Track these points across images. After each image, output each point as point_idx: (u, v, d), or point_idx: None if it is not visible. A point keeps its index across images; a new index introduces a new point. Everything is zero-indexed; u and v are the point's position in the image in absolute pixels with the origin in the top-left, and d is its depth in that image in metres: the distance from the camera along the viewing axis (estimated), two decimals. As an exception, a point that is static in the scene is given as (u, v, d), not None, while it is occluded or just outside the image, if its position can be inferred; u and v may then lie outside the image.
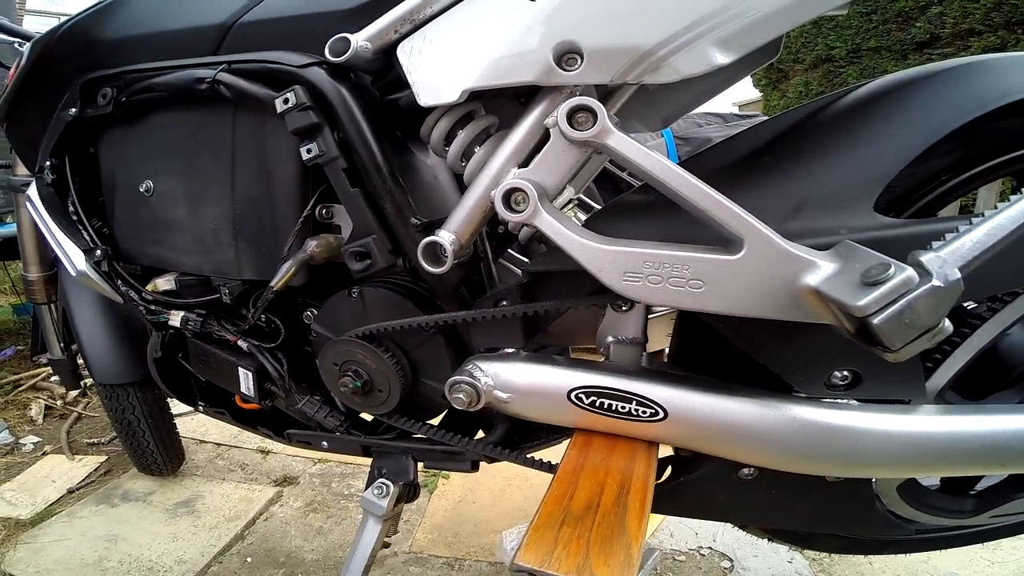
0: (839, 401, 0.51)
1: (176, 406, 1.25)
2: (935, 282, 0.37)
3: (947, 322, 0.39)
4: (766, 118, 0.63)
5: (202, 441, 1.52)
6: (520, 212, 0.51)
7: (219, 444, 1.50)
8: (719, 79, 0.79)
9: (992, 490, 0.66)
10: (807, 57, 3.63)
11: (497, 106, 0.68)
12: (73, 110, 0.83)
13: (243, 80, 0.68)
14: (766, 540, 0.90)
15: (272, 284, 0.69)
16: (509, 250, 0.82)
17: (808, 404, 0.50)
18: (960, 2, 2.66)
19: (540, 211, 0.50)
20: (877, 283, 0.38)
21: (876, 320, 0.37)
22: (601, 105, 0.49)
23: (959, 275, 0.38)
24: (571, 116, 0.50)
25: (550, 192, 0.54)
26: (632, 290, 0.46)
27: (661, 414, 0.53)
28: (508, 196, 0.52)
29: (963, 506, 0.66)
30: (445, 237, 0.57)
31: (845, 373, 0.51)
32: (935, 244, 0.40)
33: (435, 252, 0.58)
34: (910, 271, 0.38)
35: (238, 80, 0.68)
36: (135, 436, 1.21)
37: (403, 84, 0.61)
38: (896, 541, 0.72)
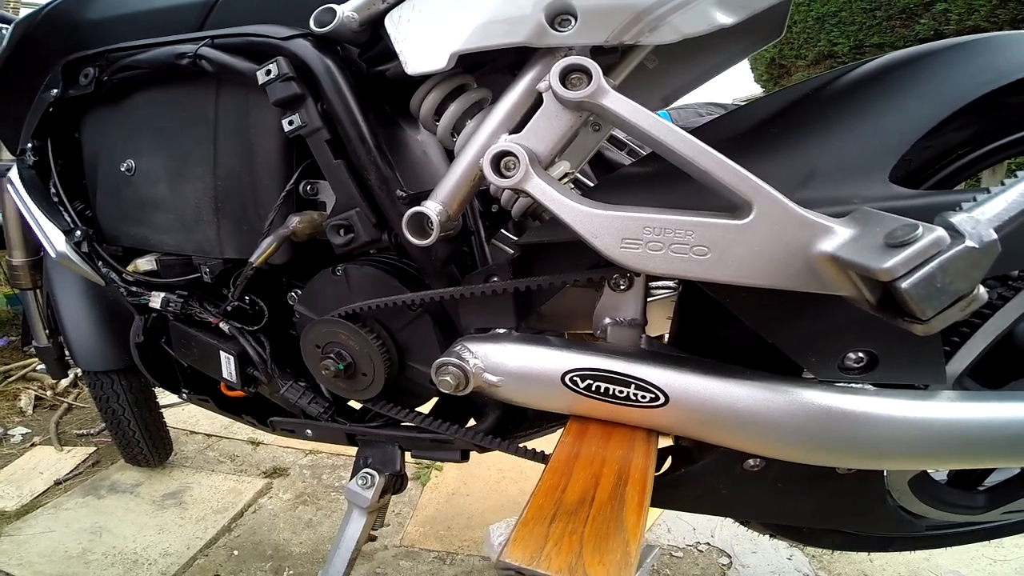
0: (854, 386, 0.47)
1: (166, 396, 1.21)
2: (969, 243, 0.33)
3: (982, 289, 0.34)
4: (772, 92, 0.58)
5: (192, 432, 1.46)
6: (510, 177, 0.46)
7: (209, 435, 1.45)
8: (720, 58, 0.75)
9: (1005, 485, 0.61)
10: (809, 53, 3.54)
11: (491, 81, 0.64)
12: (55, 91, 0.80)
13: (226, 54, 0.65)
14: (767, 537, 0.85)
15: (251, 260, 0.64)
16: (503, 231, 0.78)
17: (822, 389, 0.46)
18: (967, 1, 2.59)
19: (531, 175, 0.45)
20: (904, 244, 0.33)
21: (905, 284, 0.33)
22: (596, 64, 0.45)
23: (995, 236, 0.33)
24: (564, 76, 0.46)
25: (543, 159, 0.49)
26: (630, 258, 0.42)
27: (662, 399, 0.48)
28: (498, 161, 0.47)
29: (975, 502, 0.61)
30: (431, 208, 0.52)
31: (860, 355, 0.46)
32: (966, 205, 0.35)
33: (420, 224, 0.53)
34: (940, 231, 0.33)
35: (220, 55, 0.65)
36: (120, 425, 1.16)
37: (391, 56, 0.57)
38: (900, 538, 0.68)
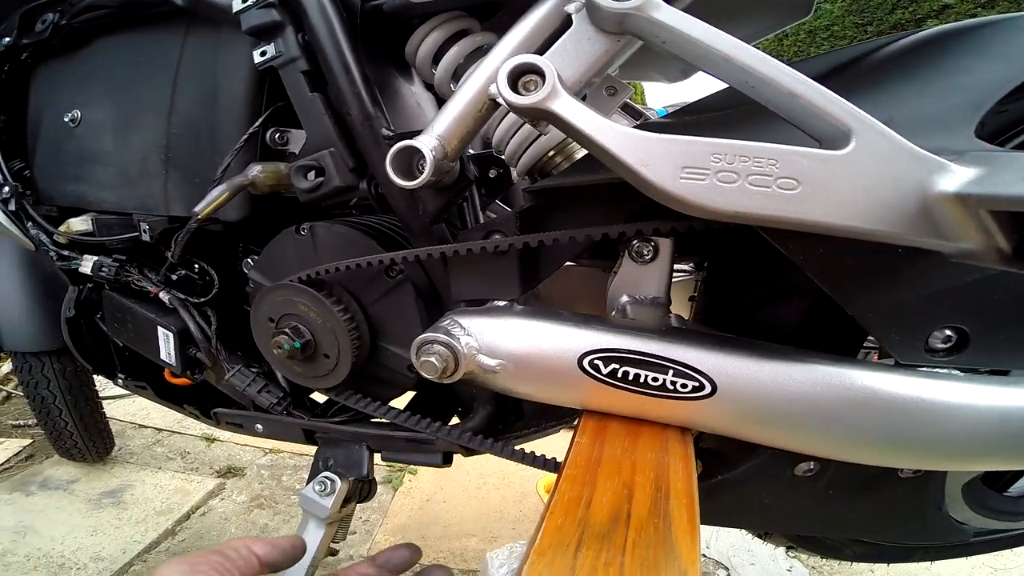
0: (941, 371, 0.35)
1: (113, 386, 1.00)
2: None
3: None
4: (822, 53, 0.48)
5: (141, 426, 1.24)
6: (531, 94, 0.32)
7: (160, 429, 1.23)
8: (746, 32, 0.64)
9: None
10: (798, 66, 3.54)
11: (500, 27, 0.51)
12: (7, 39, 0.67)
13: None
14: (763, 547, 0.73)
15: (196, 210, 0.48)
16: (499, 203, 0.64)
17: (908, 375, 0.34)
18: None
19: (559, 92, 0.32)
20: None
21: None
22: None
23: None
24: (607, -15, 0.33)
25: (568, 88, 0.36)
26: (693, 192, 0.29)
27: (707, 388, 0.35)
28: (516, 79, 0.34)
29: (1019, 507, 0.51)
30: (426, 142, 0.38)
31: (948, 333, 0.35)
32: None
33: (409, 161, 0.39)
34: None
35: None
36: (51, 414, 0.94)
37: None
38: (922, 548, 0.57)
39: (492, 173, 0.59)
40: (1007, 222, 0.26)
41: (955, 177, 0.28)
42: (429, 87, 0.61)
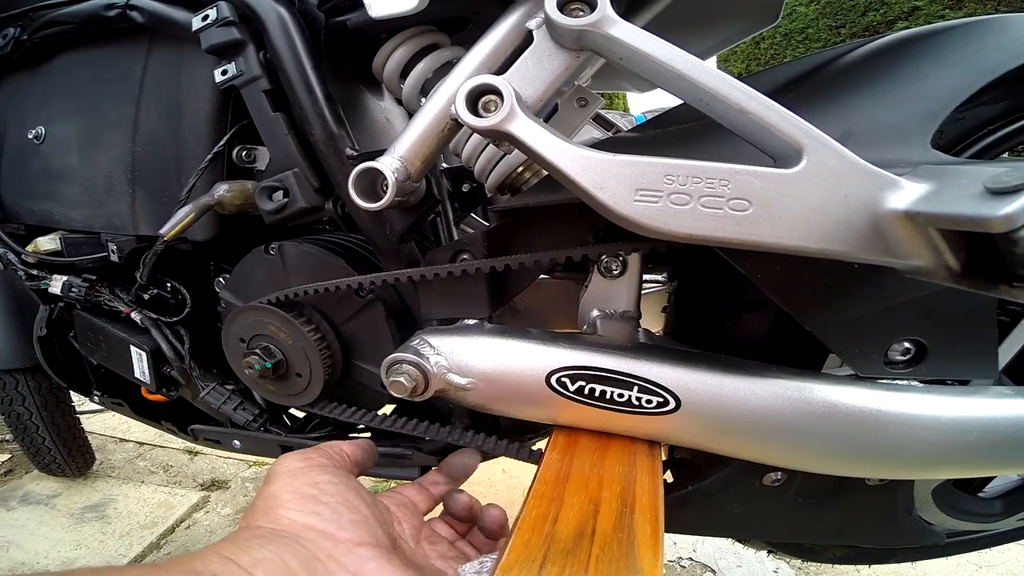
0: (901, 382, 0.35)
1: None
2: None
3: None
4: (784, 62, 0.48)
5: (122, 440, 1.22)
6: (489, 116, 0.32)
7: (141, 443, 1.21)
8: (715, 40, 0.65)
9: (1019, 491, 0.52)
10: (776, 69, 3.60)
11: (468, 39, 0.51)
12: None
13: (160, 3, 0.51)
14: (747, 549, 0.74)
15: (162, 232, 0.47)
16: (474, 216, 0.64)
17: (868, 387, 0.34)
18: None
19: (517, 113, 0.32)
20: (1018, 189, 0.22)
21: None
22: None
23: None
24: (564, 4, 0.33)
25: (529, 106, 0.36)
26: (646, 215, 0.29)
27: (672, 404, 0.35)
28: (475, 99, 0.34)
29: (992, 509, 0.52)
30: (387, 163, 0.38)
31: (907, 345, 0.35)
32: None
33: (372, 183, 0.39)
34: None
35: (153, 4, 0.51)
36: (27, 431, 0.93)
37: (356, 4, 0.45)
38: (902, 550, 0.58)
39: (465, 187, 0.59)
40: (954, 240, 0.27)
41: (905, 194, 0.28)
42: (401, 101, 0.61)
